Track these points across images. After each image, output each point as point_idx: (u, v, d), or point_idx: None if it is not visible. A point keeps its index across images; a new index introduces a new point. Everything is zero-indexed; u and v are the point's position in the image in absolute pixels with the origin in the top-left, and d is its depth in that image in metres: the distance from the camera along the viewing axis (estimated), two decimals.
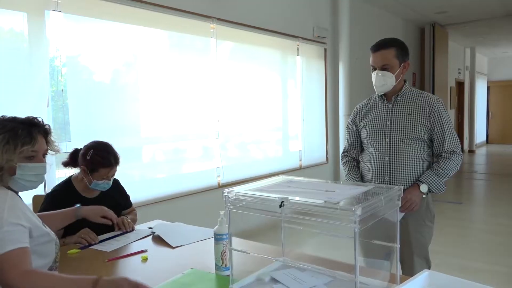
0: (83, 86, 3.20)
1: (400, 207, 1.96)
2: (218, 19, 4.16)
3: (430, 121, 2.04)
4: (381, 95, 2.15)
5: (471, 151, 12.24)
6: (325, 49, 5.83)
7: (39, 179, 1.49)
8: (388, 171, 2.08)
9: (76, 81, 3.15)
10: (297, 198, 1.19)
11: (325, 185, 1.41)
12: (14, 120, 1.45)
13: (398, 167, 2.07)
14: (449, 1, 6.97)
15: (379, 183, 2.06)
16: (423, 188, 2.01)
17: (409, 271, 2.07)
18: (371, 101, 2.24)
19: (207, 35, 4.11)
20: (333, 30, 5.94)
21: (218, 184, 4.23)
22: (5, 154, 1.37)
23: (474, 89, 12.31)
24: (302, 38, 5.37)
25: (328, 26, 5.86)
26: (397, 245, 1.33)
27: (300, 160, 5.48)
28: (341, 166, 2.39)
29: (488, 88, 14.34)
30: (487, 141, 14.42)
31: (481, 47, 12.08)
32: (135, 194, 3.35)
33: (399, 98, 2.11)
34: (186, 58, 3.95)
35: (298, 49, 5.36)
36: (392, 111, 2.11)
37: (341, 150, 6.12)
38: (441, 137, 2.04)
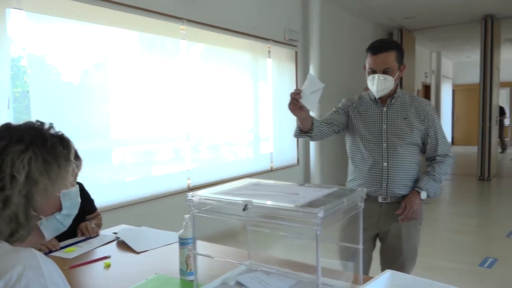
0: (49, 87, 3.10)
1: (402, 217, 1.95)
2: (189, 20, 4.12)
3: (424, 125, 2.02)
4: (374, 97, 2.08)
5: None
6: (296, 52, 5.88)
7: (76, 210, 1.07)
8: (386, 177, 2.01)
9: (41, 81, 3.05)
10: (261, 201, 1.19)
11: (290, 187, 1.41)
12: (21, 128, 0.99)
13: (396, 173, 2.01)
14: (417, 7, 7.17)
15: (375, 190, 2.03)
16: (423, 195, 1.99)
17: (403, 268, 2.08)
18: (363, 102, 2.14)
19: (177, 36, 4.07)
20: (304, 33, 6.00)
21: (188, 186, 4.19)
22: (47, 179, 0.94)
23: (440, 92, 12.71)
24: (273, 41, 5.40)
25: (299, 29, 5.91)
26: (360, 246, 1.35)
27: (271, 162, 5.50)
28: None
29: (453, 91, 14.84)
30: (452, 142, 14.91)
31: (447, 52, 12.50)
32: (104, 198, 3.28)
33: (393, 101, 2.06)
34: (156, 59, 3.89)
35: (269, 51, 5.38)
36: (387, 115, 2.04)
37: (311, 152, 6.16)
38: (434, 141, 2.03)
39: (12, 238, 0.91)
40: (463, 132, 14.68)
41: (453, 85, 14.81)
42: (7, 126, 0.97)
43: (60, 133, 1.04)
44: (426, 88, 12.01)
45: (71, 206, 1.02)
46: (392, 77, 1.98)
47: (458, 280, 3.35)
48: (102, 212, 2.55)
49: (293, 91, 1.70)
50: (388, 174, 2.01)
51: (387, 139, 2.02)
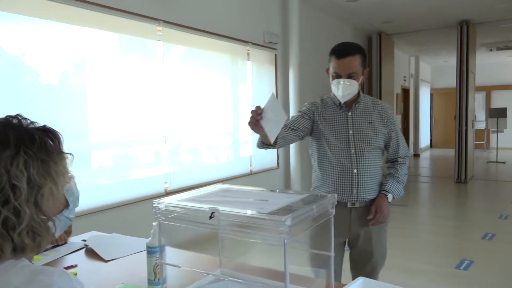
0: (17, 88, 2.99)
1: (373, 222, 1.97)
2: (165, 21, 4.05)
3: (387, 129, 2.03)
4: (339, 102, 2.03)
5: (416, 155, 12.82)
6: (275, 55, 5.87)
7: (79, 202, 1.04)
8: (357, 183, 1.99)
9: (8, 82, 2.95)
10: (228, 209, 1.15)
11: (260, 194, 1.38)
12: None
13: (366, 179, 2.00)
14: (394, 12, 7.27)
15: (345, 196, 2.01)
16: (390, 198, 2.01)
17: (374, 270, 2.07)
18: (327, 106, 2.09)
19: (154, 37, 4.00)
20: (283, 36, 5.99)
21: (165, 191, 4.11)
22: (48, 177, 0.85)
23: (418, 96, 12.93)
24: (252, 43, 5.37)
25: (278, 32, 5.90)
26: (332, 254, 1.33)
27: (250, 165, 5.46)
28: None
29: (431, 95, 15.11)
30: (431, 145, 15.18)
31: (425, 56, 12.73)
32: (79, 202, 3.17)
33: (357, 106, 2.04)
34: (132, 61, 3.81)
35: (248, 54, 5.35)
36: (352, 120, 2.02)
37: (292, 155, 6.15)
38: (396, 143, 2.06)
39: (36, 250, 0.84)
40: (441, 134, 14.97)
41: (431, 89, 15.10)
42: None
43: (42, 125, 0.92)
44: (405, 92, 12.20)
45: (74, 200, 0.98)
46: (357, 81, 1.95)
47: (434, 283, 3.37)
48: (74, 217, 2.47)
49: (254, 108, 1.59)
50: (358, 180, 1.99)
51: (354, 144, 2.00)
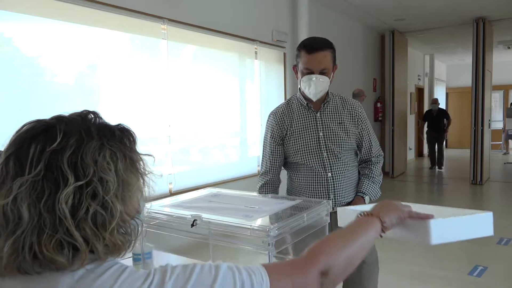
0: (13, 87, 2.97)
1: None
2: (170, 19, 3.99)
3: (358, 128, 1.95)
4: (307, 103, 1.95)
5: None
6: (284, 54, 5.76)
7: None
8: (333, 188, 1.90)
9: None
10: (211, 217, 1.07)
11: (251, 199, 1.29)
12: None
13: (341, 182, 1.91)
14: (406, 9, 7.09)
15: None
16: (367, 200, 1.93)
17: (370, 279, 1.95)
18: (293, 108, 1.98)
19: (158, 36, 3.94)
20: (292, 34, 5.88)
21: (170, 191, 4.05)
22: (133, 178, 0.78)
23: (433, 95, 12.64)
24: (260, 42, 5.28)
25: (287, 30, 5.80)
26: None
27: (258, 165, 5.37)
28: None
29: (447, 94, 14.78)
30: (446, 145, 14.84)
31: (440, 55, 12.44)
32: None
33: (325, 105, 1.95)
34: (136, 60, 3.75)
35: (256, 52, 5.26)
36: (322, 121, 1.92)
37: None
38: (369, 143, 1.98)
39: (124, 252, 0.76)
40: (456, 135, 14.62)
41: (447, 88, 14.77)
42: (65, 119, 0.78)
43: (118, 123, 0.86)
44: (420, 91, 11.95)
45: (143, 205, 0.88)
46: (329, 78, 1.87)
47: None
48: None
49: None
50: (334, 184, 1.90)
51: (326, 147, 1.90)
